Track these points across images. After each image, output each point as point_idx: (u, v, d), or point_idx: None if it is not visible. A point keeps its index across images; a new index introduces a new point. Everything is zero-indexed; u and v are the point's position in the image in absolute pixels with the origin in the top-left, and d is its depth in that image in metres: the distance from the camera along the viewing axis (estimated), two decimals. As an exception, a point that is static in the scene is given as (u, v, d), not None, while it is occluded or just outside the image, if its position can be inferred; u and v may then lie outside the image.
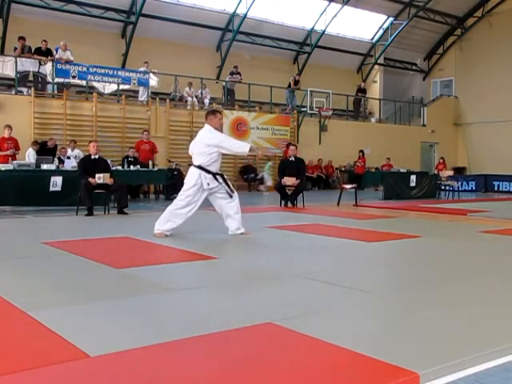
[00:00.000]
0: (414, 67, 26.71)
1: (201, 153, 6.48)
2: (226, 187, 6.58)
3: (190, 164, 6.69)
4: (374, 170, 20.26)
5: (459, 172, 22.74)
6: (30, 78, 15.00)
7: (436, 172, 19.57)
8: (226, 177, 6.72)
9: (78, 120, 15.01)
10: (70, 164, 12.30)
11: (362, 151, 20.00)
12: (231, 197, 6.62)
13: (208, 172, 6.44)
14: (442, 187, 15.58)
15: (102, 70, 15.57)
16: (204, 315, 3.26)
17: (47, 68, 14.86)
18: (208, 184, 6.44)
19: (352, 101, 22.61)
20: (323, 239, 6.56)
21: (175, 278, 4.36)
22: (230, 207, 6.65)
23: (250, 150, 6.64)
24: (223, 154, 6.66)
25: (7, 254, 5.39)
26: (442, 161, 20.14)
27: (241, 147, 6.68)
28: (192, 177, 6.48)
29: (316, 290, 3.97)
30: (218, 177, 6.53)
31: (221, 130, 6.77)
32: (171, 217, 6.47)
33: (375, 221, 8.92)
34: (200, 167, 6.45)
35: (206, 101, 18.01)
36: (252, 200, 14.30)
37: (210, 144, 6.43)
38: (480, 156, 24.31)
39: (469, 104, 25.26)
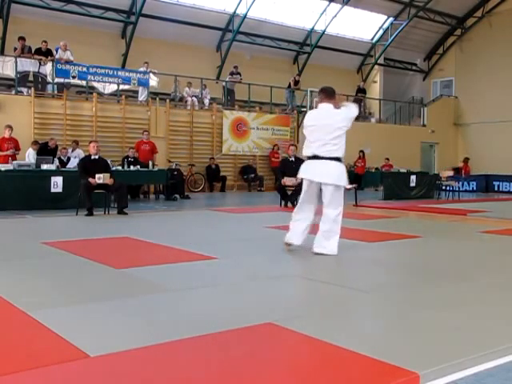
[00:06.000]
0: (414, 67, 26.69)
1: (334, 137, 5.24)
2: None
3: (299, 158, 5.36)
4: (373, 170, 20.25)
5: (459, 172, 22.72)
6: (30, 78, 14.98)
7: (463, 174, 19.42)
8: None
9: (77, 120, 15.00)
10: (74, 163, 12.27)
11: (362, 152, 19.99)
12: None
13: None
14: (443, 187, 15.57)
15: (102, 70, 15.57)
16: (204, 315, 3.26)
17: (47, 68, 14.85)
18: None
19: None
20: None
21: (175, 278, 4.36)
22: (329, 212, 5.58)
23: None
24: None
25: (7, 254, 5.39)
26: (465, 161, 19.41)
27: (355, 109, 5.63)
28: (343, 174, 5.32)
29: (316, 290, 3.97)
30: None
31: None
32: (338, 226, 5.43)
33: (375, 221, 8.92)
34: (340, 159, 5.21)
35: (206, 101, 17.99)
36: (252, 200, 14.31)
37: (344, 119, 5.30)
38: (480, 156, 24.25)
39: (469, 104, 25.24)
